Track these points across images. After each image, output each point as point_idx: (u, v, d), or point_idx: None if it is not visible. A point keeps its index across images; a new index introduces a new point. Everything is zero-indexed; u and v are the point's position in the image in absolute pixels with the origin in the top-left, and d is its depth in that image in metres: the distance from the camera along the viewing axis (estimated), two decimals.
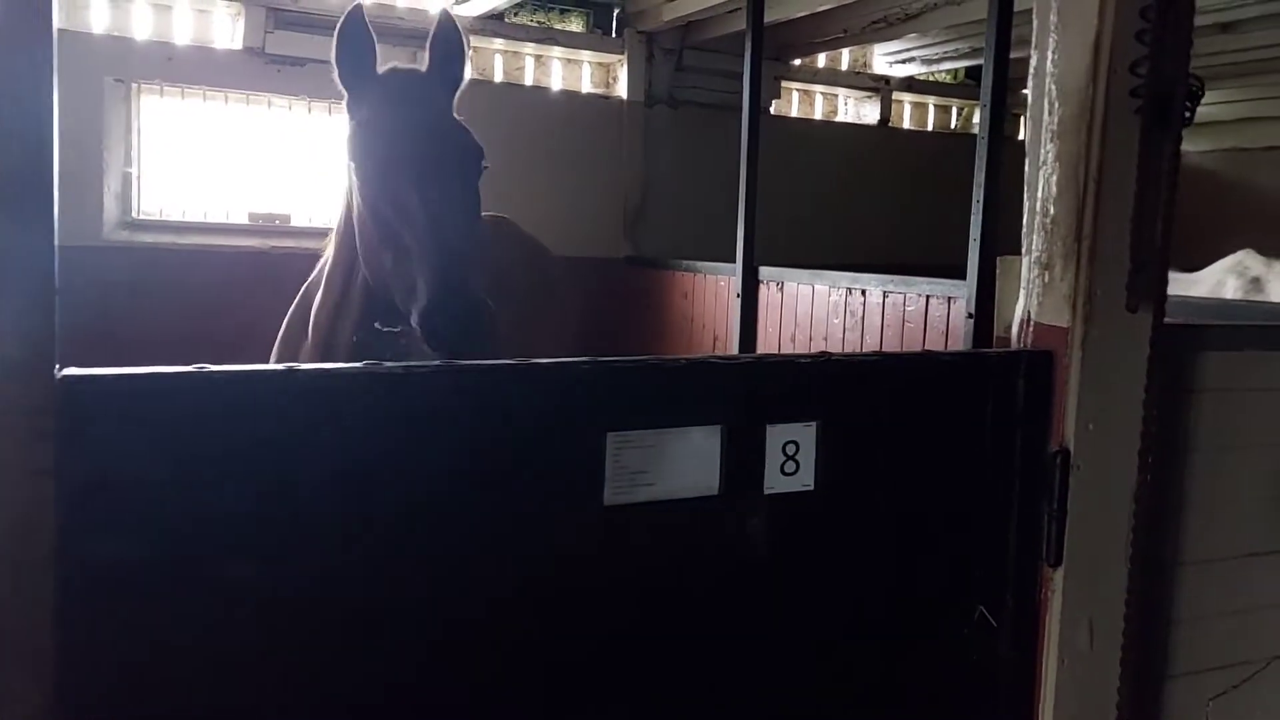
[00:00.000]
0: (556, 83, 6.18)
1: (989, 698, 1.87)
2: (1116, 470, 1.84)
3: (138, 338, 4.74)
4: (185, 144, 5.22)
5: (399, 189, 2.20)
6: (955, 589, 1.81)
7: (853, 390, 1.67)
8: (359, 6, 2.39)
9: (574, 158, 5.95)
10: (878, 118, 7.16)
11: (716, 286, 5.20)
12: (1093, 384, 1.82)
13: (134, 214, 5.13)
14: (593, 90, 6.22)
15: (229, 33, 5.26)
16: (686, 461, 1.53)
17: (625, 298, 5.94)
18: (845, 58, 7.29)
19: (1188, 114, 1.82)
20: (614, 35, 6.10)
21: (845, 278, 4.41)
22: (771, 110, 6.72)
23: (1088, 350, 1.81)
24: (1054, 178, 1.85)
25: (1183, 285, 4.26)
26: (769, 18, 5.42)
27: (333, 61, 2.39)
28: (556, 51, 6.10)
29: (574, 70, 6.25)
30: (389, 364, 1.37)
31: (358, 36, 2.37)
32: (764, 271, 4.85)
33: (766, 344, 4.83)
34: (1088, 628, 1.87)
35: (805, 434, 1.62)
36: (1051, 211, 1.85)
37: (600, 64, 6.22)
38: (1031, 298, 1.90)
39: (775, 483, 1.61)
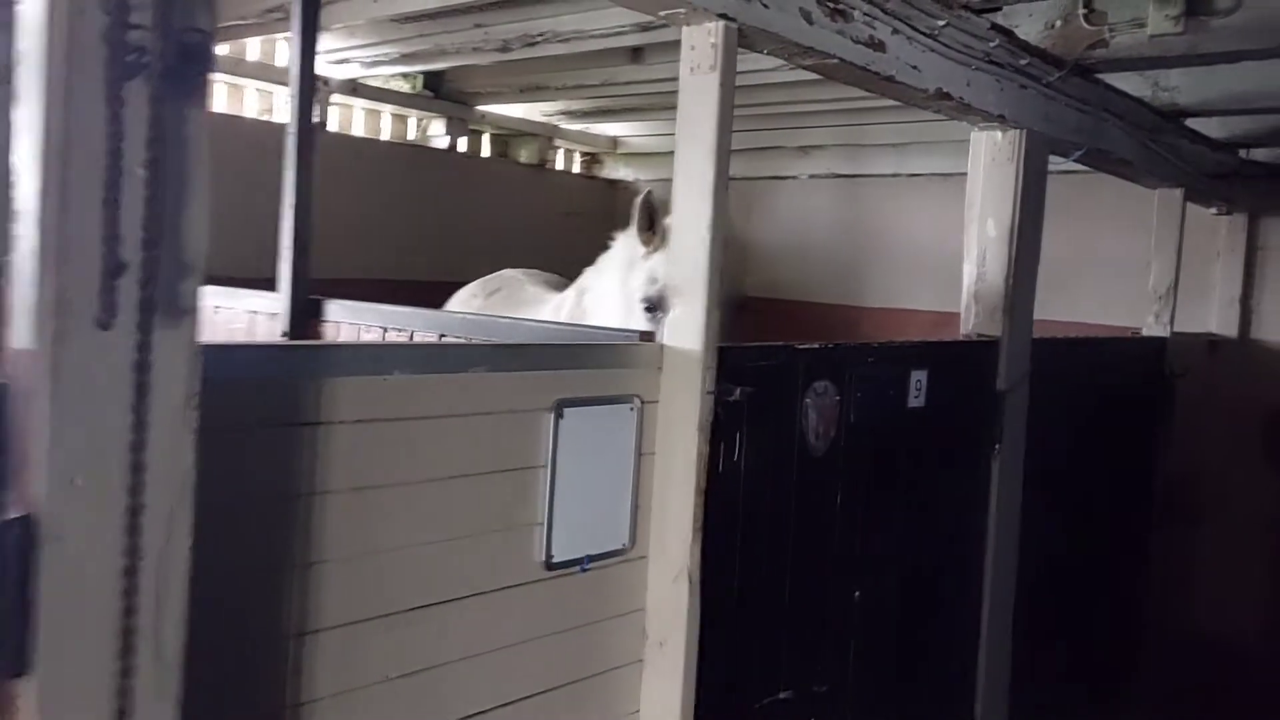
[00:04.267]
0: None
1: None
2: (108, 536, 1.40)
3: None
4: None
5: None
6: None
7: None
8: None
9: None
10: (316, 120, 6.61)
11: None
12: (78, 425, 1.36)
13: None
14: None
15: None
16: None
17: None
18: (284, 53, 6.69)
19: (197, 75, 1.45)
20: None
21: None
22: None
23: (64, 381, 1.35)
24: (20, 146, 1.38)
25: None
26: None
27: None
28: None
29: None
30: None
31: None
32: None
33: None
34: None
35: None
36: (17, 193, 1.38)
37: None
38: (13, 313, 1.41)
39: None
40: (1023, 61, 3.32)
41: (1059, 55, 3.42)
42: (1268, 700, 5.04)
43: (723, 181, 2.38)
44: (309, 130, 3.28)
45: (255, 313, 3.48)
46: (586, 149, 8.61)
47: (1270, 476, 5.47)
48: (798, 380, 2.73)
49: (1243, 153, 5.24)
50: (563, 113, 7.77)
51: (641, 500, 2.45)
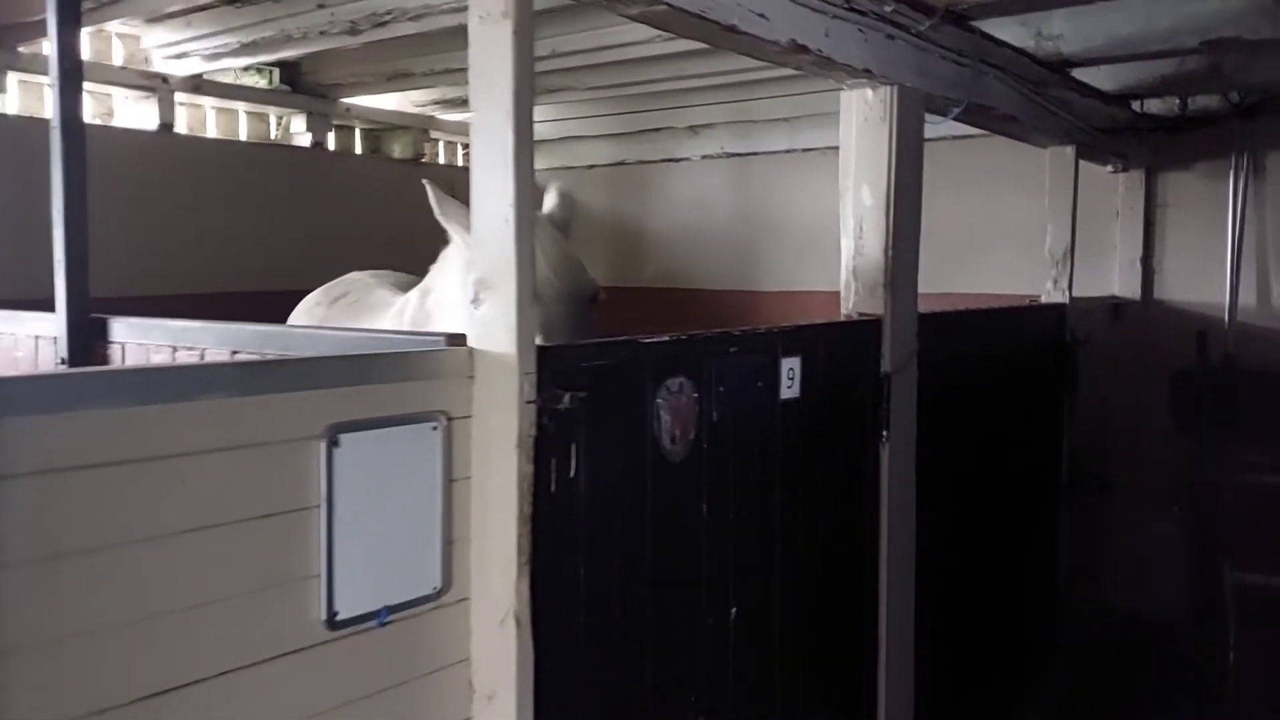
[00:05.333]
0: None
1: None
2: None
3: None
4: None
5: None
6: None
7: None
8: None
9: None
10: (158, 122, 6.09)
11: None
12: None
13: None
14: None
15: None
16: None
17: None
18: (120, 50, 6.15)
19: None
20: None
21: None
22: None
23: None
24: None
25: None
26: None
27: None
28: None
29: None
30: None
31: None
32: None
33: None
34: None
35: None
36: None
37: None
38: None
39: None
40: (888, 8, 3.01)
41: (928, 1, 3.12)
42: (1189, 672, 4.87)
43: (526, 149, 2.01)
44: (76, 127, 2.82)
45: (38, 337, 3.02)
46: (469, 141, 8.15)
47: (1179, 440, 5.30)
48: (645, 379, 2.38)
49: (1135, 105, 5.04)
50: (437, 102, 7.32)
51: (458, 534, 2.07)
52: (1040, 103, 4.08)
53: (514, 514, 2.03)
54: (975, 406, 3.90)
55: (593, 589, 2.25)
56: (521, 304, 2.01)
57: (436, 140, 8.02)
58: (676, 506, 2.49)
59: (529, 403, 2.03)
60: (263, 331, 2.46)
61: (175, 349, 2.67)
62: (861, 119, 3.22)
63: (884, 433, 3.22)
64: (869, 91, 3.19)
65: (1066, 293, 4.67)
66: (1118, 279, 5.49)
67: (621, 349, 2.33)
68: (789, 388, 2.83)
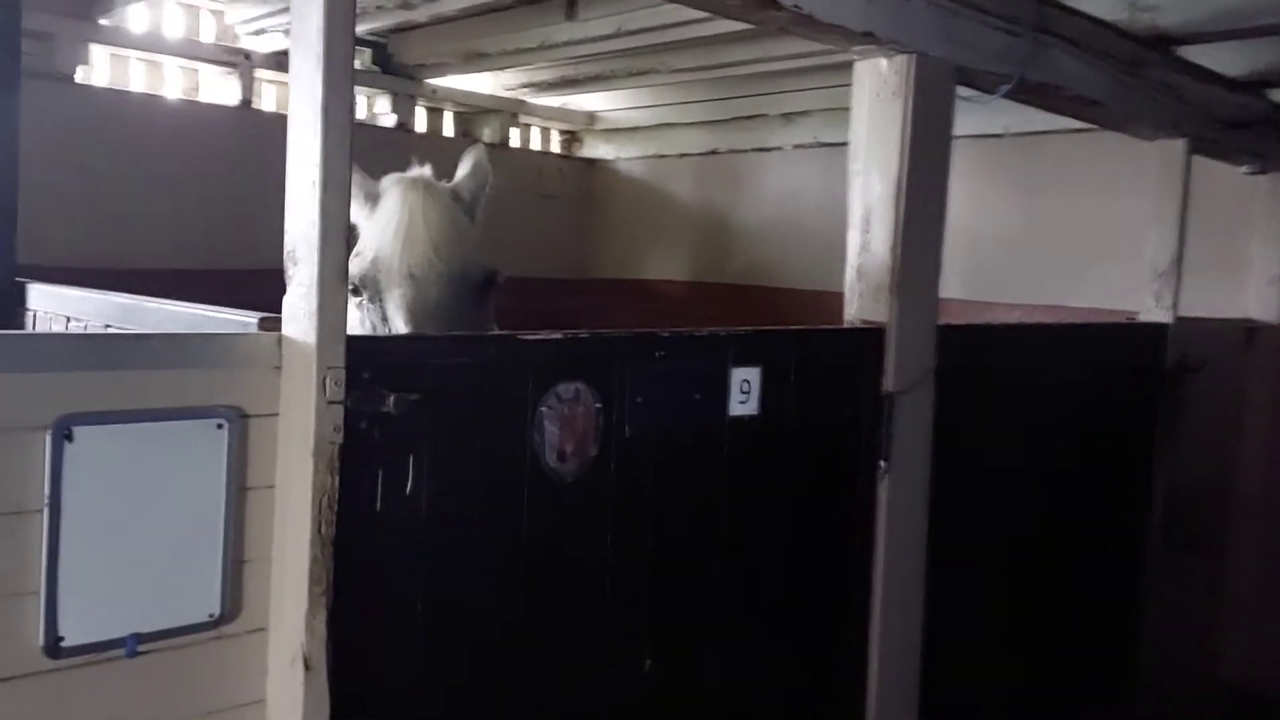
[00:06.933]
0: None
1: None
2: None
3: None
4: None
5: None
6: None
7: None
8: None
9: None
10: (239, 98, 6.10)
11: None
12: None
13: None
14: None
15: None
16: None
17: None
18: (210, 27, 6.20)
19: None
20: None
21: None
22: (79, 79, 5.46)
23: None
24: None
25: None
26: None
27: None
28: None
29: None
30: None
31: None
32: None
33: None
34: None
35: None
36: None
37: None
38: None
39: None
40: None
41: None
42: None
43: (340, 102, 1.69)
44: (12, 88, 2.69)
45: None
46: (564, 126, 7.91)
47: None
48: (525, 383, 2.01)
49: (1275, 94, 4.26)
50: (526, 86, 7.10)
51: (254, 553, 1.77)
52: (1134, 85, 3.44)
53: (307, 536, 1.70)
54: (1027, 440, 3.32)
55: (436, 632, 1.91)
56: (325, 283, 1.69)
57: (529, 125, 7.81)
58: (567, 537, 2.11)
59: (332, 403, 1.70)
60: (126, 304, 2.23)
61: (69, 319, 2.49)
62: (873, 93, 2.73)
63: (882, 463, 2.73)
64: (883, 61, 2.70)
65: (1171, 310, 3.97)
66: (1253, 298, 4.69)
67: (489, 344, 1.98)
68: (742, 403, 2.39)
